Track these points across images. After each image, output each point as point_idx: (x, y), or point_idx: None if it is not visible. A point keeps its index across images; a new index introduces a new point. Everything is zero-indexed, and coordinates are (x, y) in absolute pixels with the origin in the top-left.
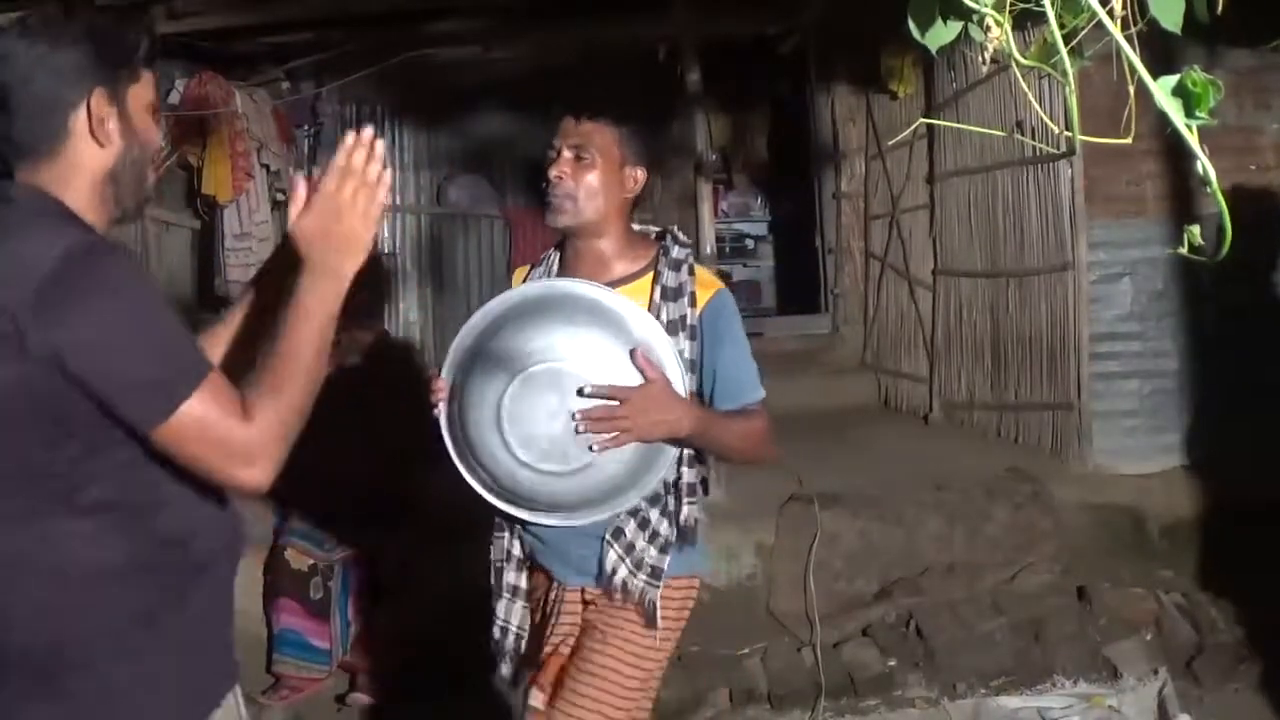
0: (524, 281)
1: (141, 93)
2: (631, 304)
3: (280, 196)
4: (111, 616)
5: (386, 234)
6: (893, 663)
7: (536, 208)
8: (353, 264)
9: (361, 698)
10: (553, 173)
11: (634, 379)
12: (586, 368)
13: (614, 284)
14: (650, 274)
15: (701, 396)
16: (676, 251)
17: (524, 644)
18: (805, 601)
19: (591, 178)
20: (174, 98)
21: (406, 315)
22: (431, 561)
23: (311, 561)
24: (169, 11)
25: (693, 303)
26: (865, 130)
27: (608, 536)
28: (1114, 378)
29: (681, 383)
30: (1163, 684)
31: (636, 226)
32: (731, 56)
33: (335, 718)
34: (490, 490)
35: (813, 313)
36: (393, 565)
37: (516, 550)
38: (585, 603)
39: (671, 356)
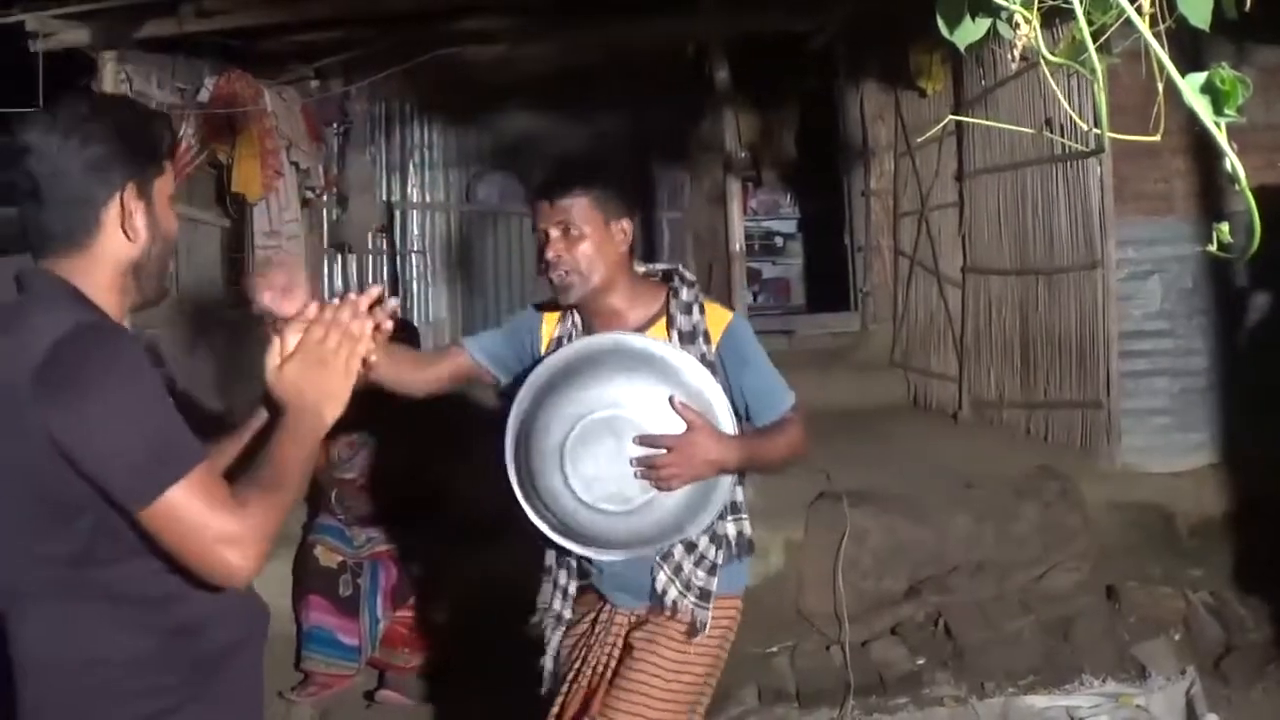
0: (554, 328)
1: (165, 185)
2: (680, 352)
3: (310, 194)
4: (136, 708)
5: (416, 231)
6: (921, 661)
7: None
8: (333, 411)
9: (390, 695)
10: (549, 254)
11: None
12: (641, 414)
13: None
14: (663, 319)
15: (738, 415)
16: (685, 294)
17: (561, 667)
18: (834, 599)
19: (585, 247)
20: (203, 96)
21: (435, 312)
22: (460, 560)
23: (340, 559)
24: (198, 10)
25: (708, 340)
26: (894, 127)
27: (657, 559)
28: (1143, 376)
29: (729, 418)
30: (1191, 683)
31: (640, 269)
32: (760, 54)
33: (364, 714)
34: (554, 529)
35: (842, 310)
36: (422, 563)
37: (563, 581)
38: (631, 626)
39: (719, 396)
